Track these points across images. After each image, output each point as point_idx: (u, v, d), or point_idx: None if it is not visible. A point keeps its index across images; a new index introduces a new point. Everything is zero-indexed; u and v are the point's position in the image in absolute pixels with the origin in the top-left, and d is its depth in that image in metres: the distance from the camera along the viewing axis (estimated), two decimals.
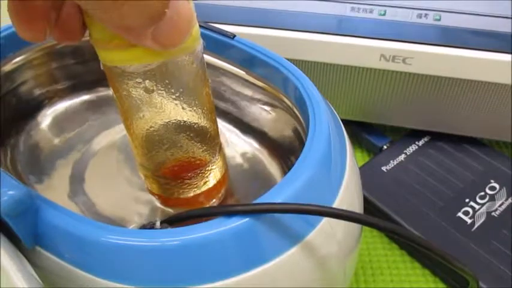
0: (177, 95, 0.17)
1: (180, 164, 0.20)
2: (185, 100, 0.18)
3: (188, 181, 0.21)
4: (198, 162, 0.20)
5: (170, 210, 0.22)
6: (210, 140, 0.20)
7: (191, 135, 0.19)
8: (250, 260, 0.15)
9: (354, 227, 0.18)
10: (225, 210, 0.15)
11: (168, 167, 0.20)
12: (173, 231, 0.15)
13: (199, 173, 0.21)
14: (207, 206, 0.22)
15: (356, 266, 0.27)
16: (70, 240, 0.15)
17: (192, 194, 0.21)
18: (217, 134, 0.21)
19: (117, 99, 0.18)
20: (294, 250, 0.16)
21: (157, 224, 0.16)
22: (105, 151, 0.25)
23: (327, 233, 0.17)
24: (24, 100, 0.25)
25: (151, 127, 0.19)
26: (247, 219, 0.15)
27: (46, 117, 0.26)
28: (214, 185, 0.21)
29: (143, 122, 0.18)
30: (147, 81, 0.17)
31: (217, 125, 0.21)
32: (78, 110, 0.26)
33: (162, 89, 0.17)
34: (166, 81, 0.17)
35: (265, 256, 0.15)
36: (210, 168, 0.21)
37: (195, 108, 0.18)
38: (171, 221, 0.17)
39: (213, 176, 0.21)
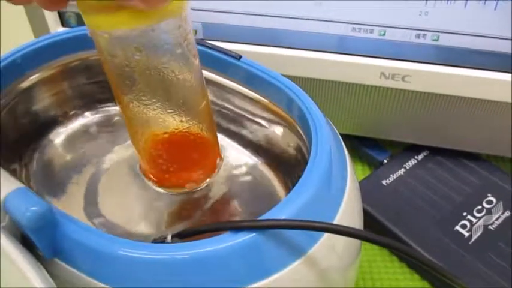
0: (164, 60, 0.17)
1: (172, 139, 0.21)
2: (174, 67, 0.18)
3: (181, 159, 0.21)
4: (188, 135, 0.20)
5: (181, 225, 0.23)
6: (200, 112, 0.20)
7: (180, 102, 0.19)
8: (256, 273, 0.16)
9: (354, 241, 0.19)
10: (232, 226, 0.16)
11: (161, 142, 0.21)
12: (184, 245, 0.16)
13: (192, 151, 0.21)
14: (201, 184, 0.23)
15: (357, 278, 0.28)
16: (87, 252, 0.16)
17: (185, 173, 0.22)
18: (208, 107, 0.21)
19: (107, 71, 0.18)
20: (297, 263, 0.17)
21: (169, 238, 0.17)
22: (116, 167, 0.25)
23: (328, 247, 0.17)
24: (39, 118, 0.26)
25: (140, 93, 0.18)
26: (253, 234, 0.16)
27: (59, 135, 0.27)
28: (208, 162, 0.22)
29: (133, 91, 0.18)
30: (135, 46, 0.16)
31: (208, 101, 0.21)
32: (90, 127, 0.27)
33: (149, 54, 0.17)
34: (154, 47, 0.17)
35: (270, 269, 0.16)
36: (200, 144, 0.21)
37: (185, 75, 0.18)
38: (181, 235, 0.17)
39: (205, 153, 0.22)
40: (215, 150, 0.24)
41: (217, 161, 0.24)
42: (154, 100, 0.19)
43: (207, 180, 0.23)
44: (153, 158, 0.22)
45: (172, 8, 0.16)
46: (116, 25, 0.16)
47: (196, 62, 0.19)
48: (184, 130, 0.20)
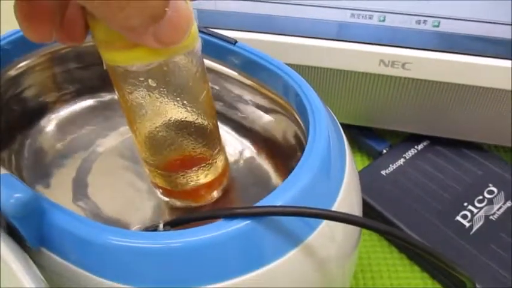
0: (178, 92, 0.18)
1: (183, 159, 0.21)
2: (186, 98, 0.18)
3: (190, 174, 0.21)
4: (199, 156, 0.21)
5: (173, 213, 0.22)
6: (211, 135, 0.21)
7: (192, 131, 0.20)
8: (251, 262, 0.15)
9: (353, 229, 0.19)
10: (226, 213, 0.16)
11: (171, 162, 0.21)
12: (176, 233, 0.15)
13: (201, 167, 0.21)
14: (209, 198, 0.23)
15: (356, 269, 0.28)
16: (75, 241, 0.16)
17: (194, 186, 0.22)
18: (217, 129, 0.21)
19: (121, 97, 0.19)
20: (294, 252, 0.16)
21: (161, 226, 0.17)
22: (108, 155, 0.25)
23: (326, 235, 0.17)
24: (29, 105, 0.25)
25: (153, 124, 0.19)
26: (248, 221, 0.15)
27: (50, 122, 0.26)
28: (216, 177, 0.22)
29: (146, 119, 0.19)
30: (149, 79, 0.17)
31: (216, 121, 0.21)
32: (82, 115, 0.27)
33: (163, 87, 0.17)
34: (168, 80, 0.17)
35: (266, 258, 0.16)
36: (210, 161, 0.21)
37: (195, 105, 0.19)
38: (174, 223, 0.17)
39: (214, 168, 0.22)
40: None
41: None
42: (167, 138, 0.20)
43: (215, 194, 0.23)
44: (164, 178, 0.22)
45: (186, 44, 0.16)
46: (131, 60, 0.16)
47: (207, 88, 0.20)
48: (190, 153, 0.21)
